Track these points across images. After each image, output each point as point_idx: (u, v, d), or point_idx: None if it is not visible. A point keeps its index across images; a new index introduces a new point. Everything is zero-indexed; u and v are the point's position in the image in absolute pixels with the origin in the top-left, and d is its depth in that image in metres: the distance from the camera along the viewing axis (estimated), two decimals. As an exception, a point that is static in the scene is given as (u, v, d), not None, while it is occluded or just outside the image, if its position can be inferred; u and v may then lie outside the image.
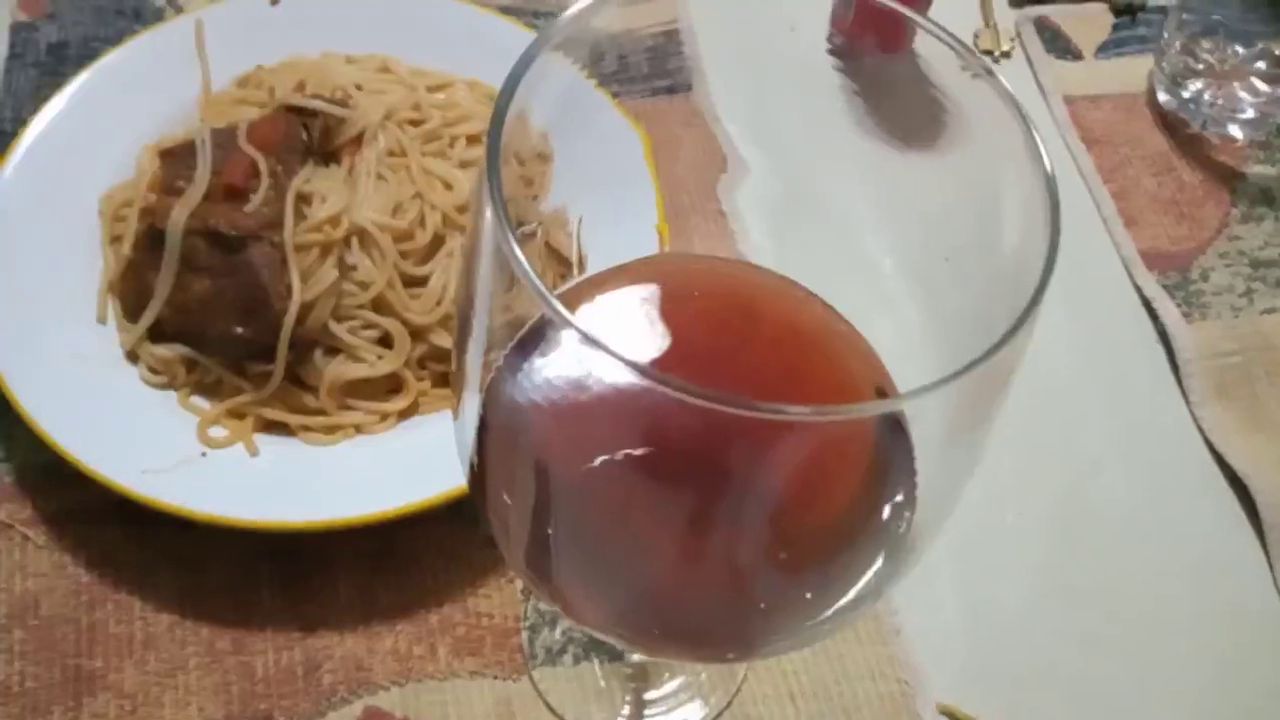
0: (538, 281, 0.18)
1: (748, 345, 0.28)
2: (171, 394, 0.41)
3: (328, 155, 0.42)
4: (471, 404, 0.23)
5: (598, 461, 0.22)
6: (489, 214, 0.19)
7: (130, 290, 0.41)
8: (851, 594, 0.22)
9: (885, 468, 0.21)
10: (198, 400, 0.41)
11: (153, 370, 0.41)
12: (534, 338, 0.21)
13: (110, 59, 0.47)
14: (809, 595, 0.22)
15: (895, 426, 0.21)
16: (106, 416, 0.39)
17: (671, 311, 0.28)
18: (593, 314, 0.27)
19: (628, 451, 0.21)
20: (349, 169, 0.42)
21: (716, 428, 0.20)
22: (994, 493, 0.44)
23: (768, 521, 0.21)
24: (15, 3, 0.52)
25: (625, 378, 0.17)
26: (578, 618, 0.25)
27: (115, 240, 0.43)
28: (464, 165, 0.44)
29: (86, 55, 0.51)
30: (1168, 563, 0.43)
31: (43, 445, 0.40)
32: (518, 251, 0.18)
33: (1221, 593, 0.43)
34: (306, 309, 0.39)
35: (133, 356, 0.41)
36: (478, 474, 0.24)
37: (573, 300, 0.28)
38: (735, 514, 0.21)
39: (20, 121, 0.49)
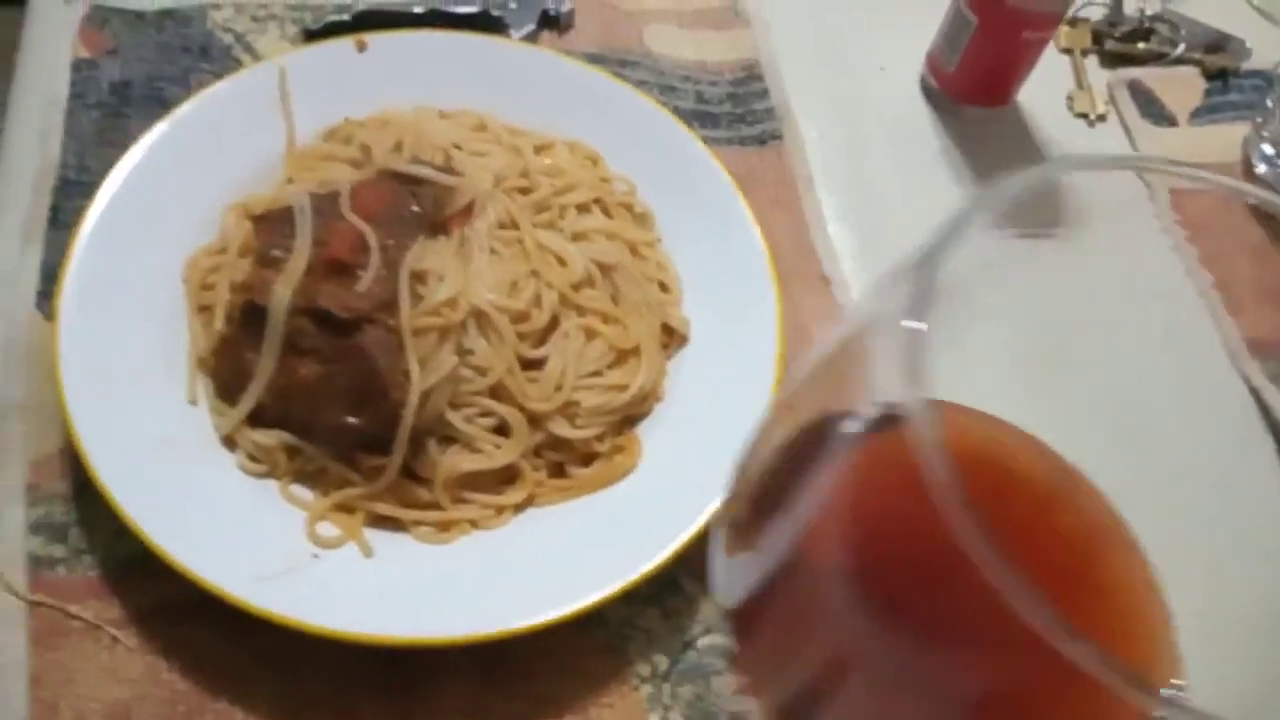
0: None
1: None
2: (270, 483, 0.38)
3: (434, 226, 0.40)
4: (773, 544, 0.20)
5: (907, 653, 0.20)
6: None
7: (224, 369, 0.39)
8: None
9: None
10: (299, 490, 0.38)
11: (252, 458, 0.38)
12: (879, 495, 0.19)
13: (185, 109, 0.44)
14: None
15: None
16: (206, 511, 0.36)
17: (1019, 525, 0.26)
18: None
19: (951, 663, 0.19)
20: (459, 242, 0.39)
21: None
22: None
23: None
24: (75, 38, 0.49)
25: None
26: None
27: (203, 310, 0.40)
28: (576, 237, 0.42)
29: (152, 95, 0.48)
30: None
31: (127, 535, 0.37)
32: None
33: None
34: (424, 397, 0.37)
35: (229, 441, 0.38)
36: (755, 613, 0.22)
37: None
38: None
39: (84, 168, 0.46)
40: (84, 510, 0.39)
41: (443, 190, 0.40)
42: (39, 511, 0.39)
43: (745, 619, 0.22)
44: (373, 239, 0.38)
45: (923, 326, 0.17)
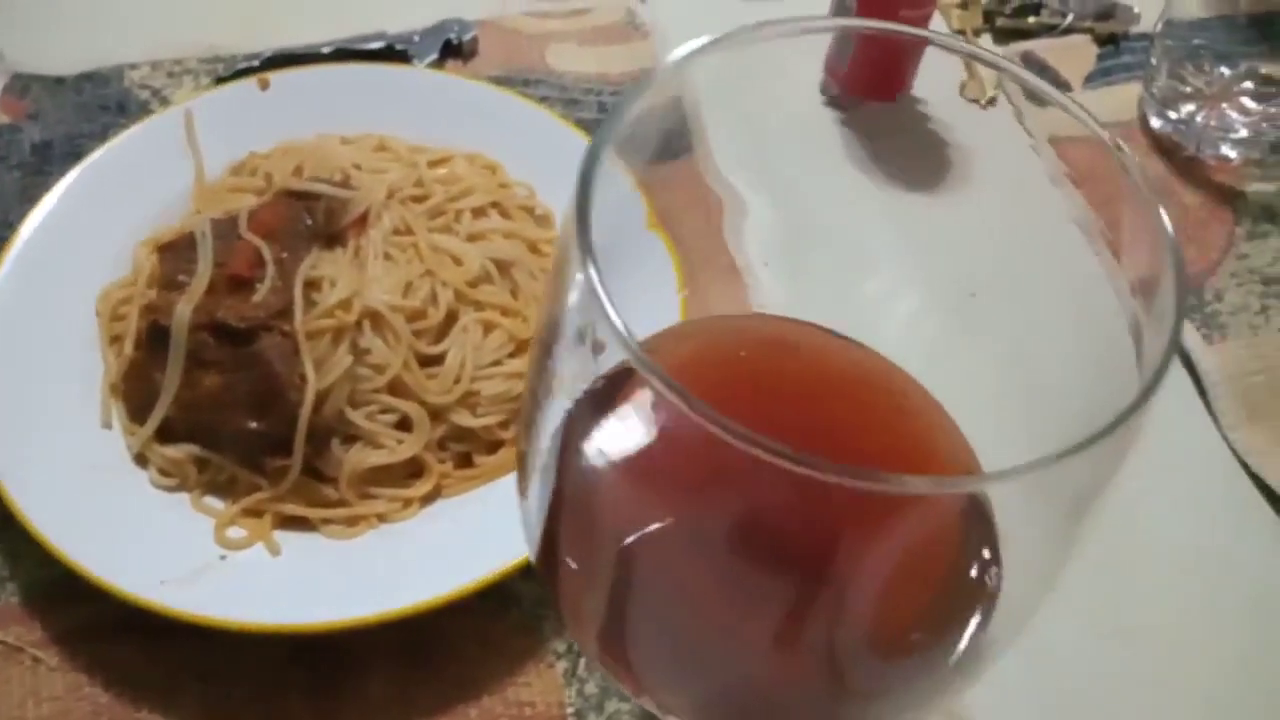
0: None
1: (832, 413, 0.27)
2: (184, 496, 0.39)
3: (332, 238, 0.41)
4: (541, 478, 0.22)
5: (679, 533, 0.21)
6: (580, 277, 0.18)
7: (135, 391, 0.40)
8: (934, 679, 0.21)
9: (971, 544, 0.20)
10: (212, 501, 0.39)
11: (163, 473, 0.39)
12: (610, 405, 0.20)
13: (98, 156, 0.46)
14: (889, 684, 0.21)
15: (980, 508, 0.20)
16: (117, 525, 0.37)
17: (745, 377, 0.27)
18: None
19: (713, 524, 0.20)
20: (355, 251, 0.41)
21: (808, 501, 0.19)
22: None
23: (850, 603, 0.20)
24: (-4, 106, 0.51)
25: (728, 444, 0.16)
26: (656, 704, 0.24)
27: (115, 340, 0.42)
28: (472, 238, 0.43)
29: (71, 153, 0.50)
30: (1218, 588, 0.42)
31: (50, 561, 0.38)
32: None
33: (1276, 615, 0.42)
34: (322, 397, 0.38)
35: (141, 460, 0.39)
36: (547, 550, 0.23)
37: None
38: (815, 593, 0.20)
39: (8, 224, 0.48)
40: (4, 541, 0.40)
41: (336, 203, 0.41)
42: (-38, 546, 0.40)
43: (545, 556, 0.23)
44: (267, 252, 0.39)
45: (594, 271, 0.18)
